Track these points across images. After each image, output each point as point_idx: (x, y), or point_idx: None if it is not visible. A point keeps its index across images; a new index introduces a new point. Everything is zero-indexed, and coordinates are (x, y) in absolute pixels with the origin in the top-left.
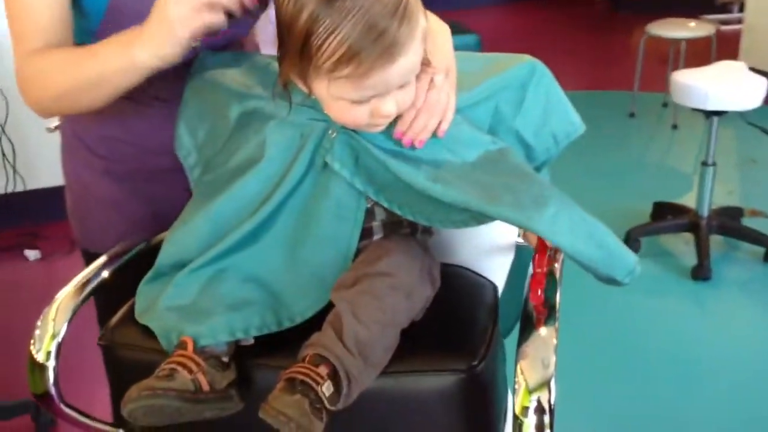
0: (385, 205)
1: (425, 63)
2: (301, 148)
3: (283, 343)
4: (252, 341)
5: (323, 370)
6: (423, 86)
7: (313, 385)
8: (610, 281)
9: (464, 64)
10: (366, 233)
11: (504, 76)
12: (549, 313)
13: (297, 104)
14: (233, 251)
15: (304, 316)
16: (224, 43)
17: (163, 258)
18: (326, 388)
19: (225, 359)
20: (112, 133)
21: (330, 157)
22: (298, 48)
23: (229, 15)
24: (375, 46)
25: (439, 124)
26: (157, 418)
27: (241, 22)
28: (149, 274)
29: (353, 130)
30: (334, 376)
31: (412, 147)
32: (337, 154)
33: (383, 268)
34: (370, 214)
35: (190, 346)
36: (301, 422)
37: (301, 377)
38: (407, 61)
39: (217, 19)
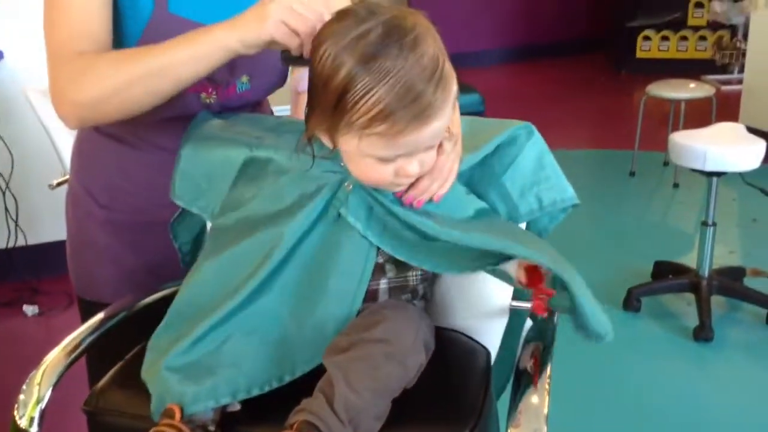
0: (399, 257)
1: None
2: (315, 197)
3: (268, 410)
4: (238, 407)
5: None
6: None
7: None
8: (594, 336)
9: (466, 128)
10: (371, 295)
11: (500, 136)
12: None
13: (317, 157)
14: (239, 309)
15: (303, 369)
16: (239, 105)
17: (176, 306)
18: None
19: (211, 428)
20: (115, 182)
21: (344, 210)
22: (332, 103)
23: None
24: (410, 108)
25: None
26: None
27: (261, 86)
28: (161, 326)
29: (368, 192)
30: None
31: (411, 206)
32: (351, 207)
33: (380, 335)
34: (379, 270)
35: (177, 415)
36: None
37: None
38: (439, 124)
39: (294, 40)
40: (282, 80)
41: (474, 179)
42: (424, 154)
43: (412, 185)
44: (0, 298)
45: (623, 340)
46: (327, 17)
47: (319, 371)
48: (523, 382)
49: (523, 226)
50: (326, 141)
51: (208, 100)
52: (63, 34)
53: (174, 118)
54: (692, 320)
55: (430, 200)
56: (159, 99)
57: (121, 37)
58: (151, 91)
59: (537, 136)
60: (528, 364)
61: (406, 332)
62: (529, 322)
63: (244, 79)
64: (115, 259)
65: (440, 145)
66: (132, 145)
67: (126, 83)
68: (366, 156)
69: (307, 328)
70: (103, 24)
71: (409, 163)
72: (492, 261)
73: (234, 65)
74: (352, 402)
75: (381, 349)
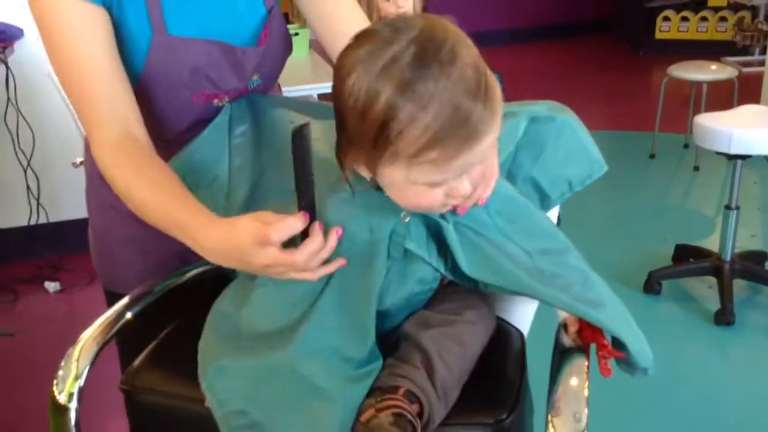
0: (459, 282)
1: None
2: (377, 241)
3: None
4: None
5: (415, 408)
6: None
7: (416, 426)
8: (638, 371)
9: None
10: None
11: (528, 130)
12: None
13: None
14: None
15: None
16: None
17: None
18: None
19: None
20: None
21: (409, 242)
22: (372, 136)
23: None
24: (461, 130)
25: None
26: None
27: (271, 76)
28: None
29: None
30: (419, 416)
31: (455, 213)
32: (413, 237)
33: (470, 317)
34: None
35: None
36: None
37: (408, 416)
38: (491, 138)
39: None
40: (287, 57)
41: (510, 174)
42: (475, 169)
43: None
44: (22, 274)
45: (643, 323)
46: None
47: None
48: (563, 363)
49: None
50: (365, 173)
51: (221, 104)
52: (87, 110)
53: (193, 125)
54: (713, 304)
55: (476, 205)
56: None
57: (128, 66)
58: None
59: (562, 119)
60: (575, 340)
61: (488, 317)
62: None
63: (255, 77)
64: (145, 250)
65: None
66: (156, 137)
67: (139, 214)
68: (415, 184)
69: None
70: (115, 72)
71: (460, 183)
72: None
73: (243, 73)
74: (446, 379)
75: (470, 330)
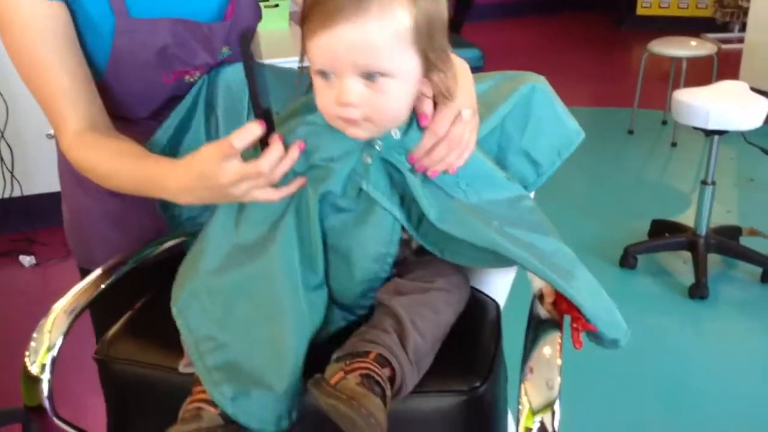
0: (425, 245)
1: (447, 95)
2: (334, 172)
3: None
4: None
5: (386, 372)
6: (447, 117)
7: (386, 389)
8: (607, 342)
9: (476, 86)
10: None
11: (513, 98)
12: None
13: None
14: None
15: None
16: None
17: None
18: (389, 395)
19: None
20: None
21: (367, 184)
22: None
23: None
24: (322, 5)
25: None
26: None
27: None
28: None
29: (388, 161)
30: (391, 381)
31: (425, 175)
32: (371, 180)
33: (443, 285)
34: (404, 244)
35: None
36: (384, 427)
37: (376, 377)
38: (354, 34)
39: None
40: (256, 25)
41: (497, 148)
42: (366, 87)
43: (427, 154)
44: None
45: (619, 297)
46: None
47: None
48: (537, 333)
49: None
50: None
51: (192, 80)
52: (51, 106)
53: (166, 103)
54: (688, 278)
55: (446, 172)
56: None
57: (94, 54)
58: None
59: (540, 88)
60: (550, 311)
61: (461, 286)
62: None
63: (225, 49)
64: (124, 225)
65: (458, 114)
66: (126, 118)
67: (113, 186)
68: (315, 75)
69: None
70: (76, 66)
71: (340, 86)
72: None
73: (212, 48)
74: (419, 345)
75: (442, 298)
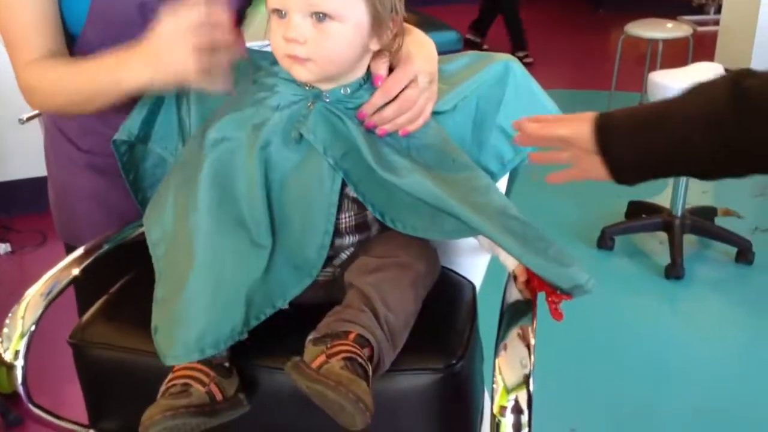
0: (366, 205)
1: (406, 60)
2: (272, 116)
3: (272, 342)
4: (246, 336)
5: (366, 353)
6: (401, 79)
7: (368, 370)
8: (574, 290)
9: (444, 65)
10: (362, 227)
11: (481, 74)
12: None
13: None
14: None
15: (293, 294)
16: None
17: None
18: (371, 376)
19: (227, 365)
20: (93, 127)
21: (303, 128)
22: None
23: None
24: None
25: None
26: None
27: None
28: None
29: (332, 111)
30: (370, 360)
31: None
32: (310, 125)
33: (404, 259)
34: (362, 224)
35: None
36: (371, 410)
37: (359, 360)
38: None
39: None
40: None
41: (475, 124)
42: (313, 26)
43: (377, 111)
44: None
45: (596, 278)
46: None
47: (308, 302)
48: (511, 313)
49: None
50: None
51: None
52: (12, 39)
53: None
54: (664, 258)
55: (397, 133)
56: (110, 107)
57: (71, 14)
58: (94, 108)
59: (514, 66)
60: (522, 290)
61: (424, 256)
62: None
63: None
64: (102, 203)
65: (414, 79)
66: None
67: (71, 102)
68: (271, 14)
69: (286, 255)
70: (43, 20)
71: (290, 22)
72: (462, 232)
73: None
74: (392, 322)
75: (408, 274)
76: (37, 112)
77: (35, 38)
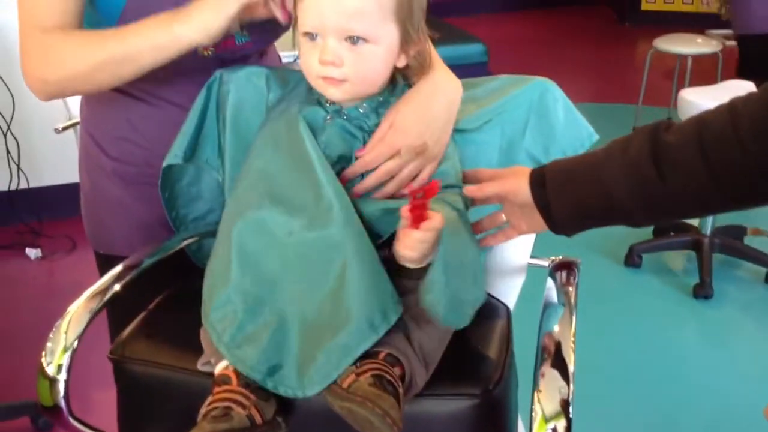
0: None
1: (396, 129)
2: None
3: None
4: None
5: (397, 371)
6: (381, 153)
7: (398, 387)
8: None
9: (474, 90)
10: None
11: (508, 98)
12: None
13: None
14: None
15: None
16: (242, 56)
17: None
18: (402, 394)
19: (265, 389)
20: (124, 135)
21: (320, 141)
22: None
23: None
24: None
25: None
26: None
27: (262, 36)
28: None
29: (347, 130)
30: (401, 380)
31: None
32: (326, 141)
33: None
34: None
35: (235, 380)
36: (400, 425)
37: (387, 377)
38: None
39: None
40: (287, 26)
41: (504, 149)
42: (348, 48)
43: (361, 182)
44: (2, 240)
45: (624, 296)
46: None
47: None
48: (549, 339)
49: None
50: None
51: (206, 53)
52: (33, 7)
53: (179, 72)
54: (692, 277)
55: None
56: (123, 82)
57: (104, 17)
58: (114, 76)
59: (547, 87)
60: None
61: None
62: (549, 282)
63: (244, 31)
64: (127, 212)
65: (397, 152)
66: (139, 98)
67: (90, 68)
68: (300, 37)
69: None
70: (70, 2)
71: (323, 46)
72: None
73: None
74: (425, 342)
75: None
76: (74, 121)
77: (57, 11)
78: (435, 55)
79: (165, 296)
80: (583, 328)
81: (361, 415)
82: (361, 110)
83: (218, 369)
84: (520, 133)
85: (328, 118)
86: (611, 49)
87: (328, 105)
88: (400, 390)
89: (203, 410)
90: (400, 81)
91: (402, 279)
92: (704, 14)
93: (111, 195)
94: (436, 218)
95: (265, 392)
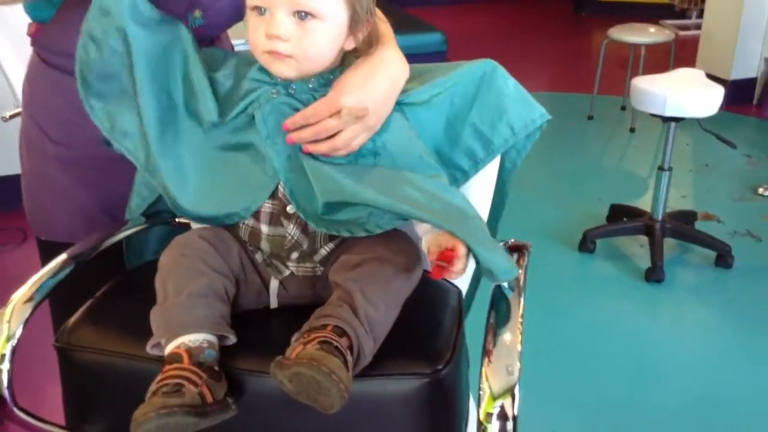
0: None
1: (340, 91)
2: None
3: (264, 344)
4: (234, 340)
5: (345, 342)
6: (321, 111)
7: (345, 355)
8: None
9: (425, 71)
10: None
11: (457, 72)
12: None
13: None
14: None
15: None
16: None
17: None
18: (350, 361)
19: (216, 368)
20: (66, 116)
21: (257, 111)
22: None
23: None
24: None
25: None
26: None
27: (217, 20)
28: None
29: (291, 105)
30: (350, 350)
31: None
32: (263, 111)
33: (384, 253)
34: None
35: (186, 359)
36: (347, 385)
37: (334, 344)
38: None
39: None
40: (241, 15)
41: (448, 121)
42: (295, 24)
43: (296, 130)
44: None
45: (577, 280)
46: None
47: (303, 309)
48: (497, 319)
49: (497, 162)
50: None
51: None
52: None
53: None
54: (644, 262)
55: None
56: None
57: None
58: None
59: (493, 66)
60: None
61: (403, 251)
62: None
63: (197, 14)
64: (68, 197)
65: (337, 112)
66: None
67: None
68: (248, 11)
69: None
70: None
71: (273, 19)
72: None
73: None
74: (371, 314)
75: (389, 265)
76: (19, 110)
77: None
78: (391, 35)
79: (111, 285)
80: (538, 312)
81: (306, 377)
82: (309, 85)
83: (168, 349)
84: (468, 106)
85: (273, 92)
86: (568, 39)
87: (278, 80)
88: (348, 357)
89: (153, 387)
90: (351, 62)
91: (349, 255)
92: (658, 5)
93: (52, 179)
94: (460, 262)
95: (217, 372)
